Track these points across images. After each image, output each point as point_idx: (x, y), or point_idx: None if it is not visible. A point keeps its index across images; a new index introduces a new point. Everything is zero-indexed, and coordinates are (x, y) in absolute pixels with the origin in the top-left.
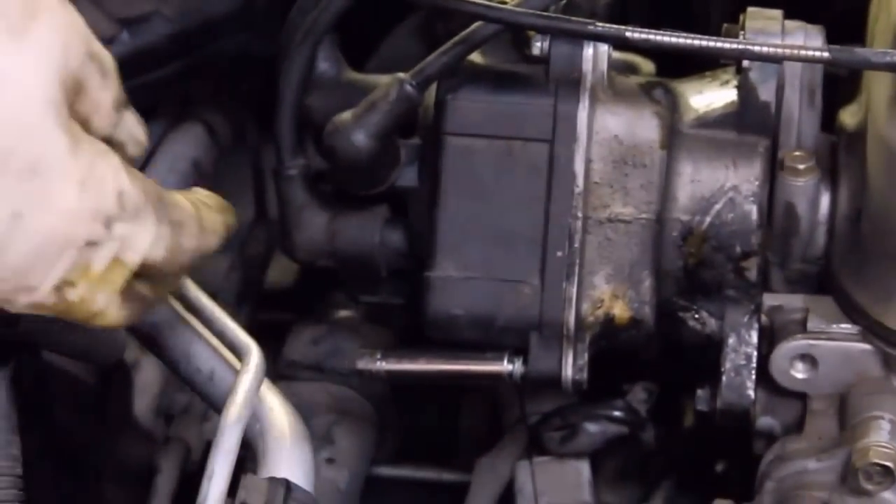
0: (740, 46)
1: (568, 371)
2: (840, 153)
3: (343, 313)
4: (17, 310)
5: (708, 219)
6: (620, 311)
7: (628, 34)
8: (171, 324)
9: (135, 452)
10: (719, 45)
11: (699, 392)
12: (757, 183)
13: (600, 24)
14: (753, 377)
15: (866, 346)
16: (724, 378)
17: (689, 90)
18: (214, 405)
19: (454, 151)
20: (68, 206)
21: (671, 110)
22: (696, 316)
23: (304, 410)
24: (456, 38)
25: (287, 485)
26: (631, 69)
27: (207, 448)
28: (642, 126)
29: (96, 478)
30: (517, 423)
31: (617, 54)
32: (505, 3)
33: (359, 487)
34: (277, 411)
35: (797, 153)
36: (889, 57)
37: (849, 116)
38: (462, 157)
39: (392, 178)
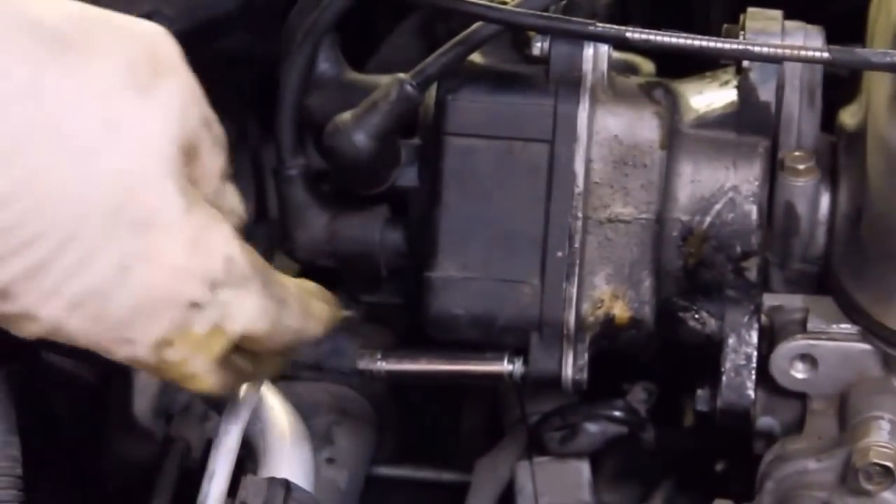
0: (740, 47)
1: (568, 371)
2: (840, 153)
3: (343, 313)
4: (116, 360)
5: (708, 219)
6: (620, 311)
7: (629, 34)
8: None
9: (135, 452)
10: (719, 45)
11: (699, 392)
12: (757, 183)
13: (600, 24)
14: (753, 377)
15: (866, 347)
16: (724, 378)
17: (690, 90)
18: (214, 405)
19: (454, 151)
20: (177, 264)
21: (671, 110)
22: (696, 316)
23: (304, 410)
24: (456, 39)
25: (287, 485)
26: (631, 69)
27: (207, 448)
28: (642, 126)
29: (96, 478)
30: (517, 423)
31: (617, 54)
32: (505, 3)
33: (359, 487)
34: (277, 411)
35: (797, 153)
36: (889, 57)
37: (849, 116)
38: (462, 157)
39: (392, 178)
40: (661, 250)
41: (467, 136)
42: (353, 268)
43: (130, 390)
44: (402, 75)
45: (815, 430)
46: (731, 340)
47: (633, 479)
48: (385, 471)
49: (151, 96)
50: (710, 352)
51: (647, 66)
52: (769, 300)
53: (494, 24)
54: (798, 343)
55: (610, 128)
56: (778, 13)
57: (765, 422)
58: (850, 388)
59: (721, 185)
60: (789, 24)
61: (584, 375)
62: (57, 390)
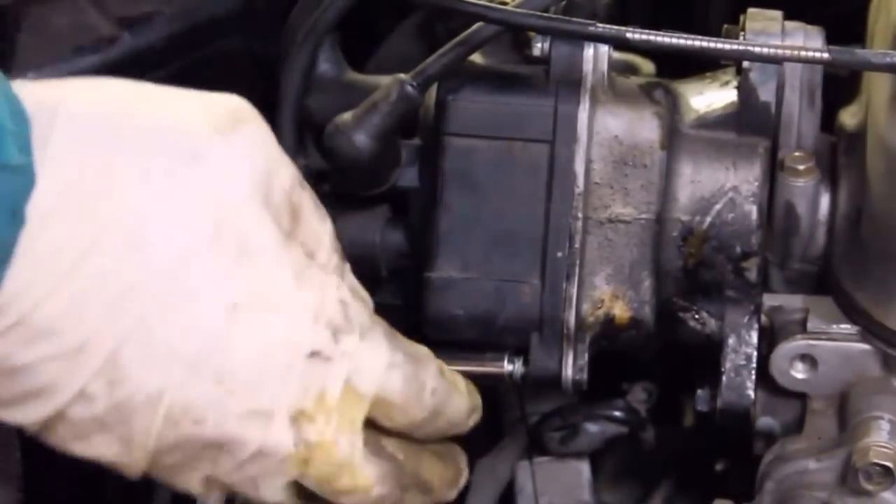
0: (740, 47)
1: (568, 371)
2: (840, 154)
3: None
4: (247, 456)
5: (708, 219)
6: (620, 311)
7: (629, 35)
8: None
9: None
10: (720, 45)
11: (699, 392)
12: (757, 183)
13: (601, 24)
14: (753, 377)
15: (866, 347)
16: (724, 378)
17: (690, 91)
18: None
19: (455, 152)
20: (286, 296)
21: (671, 111)
22: (696, 316)
23: None
24: (456, 39)
25: None
26: (631, 70)
27: None
28: (642, 126)
29: (96, 477)
30: (517, 423)
31: (617, 55)
32: (505, 3)
33: None
34: None
35: (797, 154)
36: (889, 57)
37: (849, 117)
38: (463, 157)
39: (393, 179)
40: (661, 250)
41: (468, 137)
42: (353, 268)
43: None
44: (402, 76)
45: (815, 430)
46: (731, 340)
47: (633, 479)
48: None
49: (233, 136)
50: (710, 352)
51: (647, 66)
52: (769, 300)
53: (495, 24)
54: (798, 343)
55: (610, 128)
56: (778, 14)
57: (765, 422)
58: (849, 388)
59: (721, 186)
60: (789, 24)
61: (584, 375)
62: None
